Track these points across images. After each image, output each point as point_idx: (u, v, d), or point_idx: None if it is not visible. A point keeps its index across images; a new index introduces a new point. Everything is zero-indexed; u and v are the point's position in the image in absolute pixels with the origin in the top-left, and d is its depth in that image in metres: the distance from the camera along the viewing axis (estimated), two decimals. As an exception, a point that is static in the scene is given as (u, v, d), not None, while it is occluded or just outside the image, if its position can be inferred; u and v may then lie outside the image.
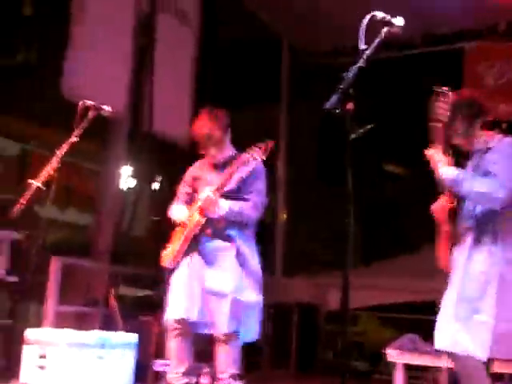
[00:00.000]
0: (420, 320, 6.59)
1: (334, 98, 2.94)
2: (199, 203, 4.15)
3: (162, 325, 4.25)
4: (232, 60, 8.78)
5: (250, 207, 4.20)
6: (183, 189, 4.48)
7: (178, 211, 4.34)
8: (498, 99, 8.07)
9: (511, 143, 3.55)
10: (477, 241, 3.48)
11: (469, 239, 3.52)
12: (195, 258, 4.19)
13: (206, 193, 4.11)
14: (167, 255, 4.27)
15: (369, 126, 2.91)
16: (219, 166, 4.31)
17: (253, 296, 4.18)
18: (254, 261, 4.27)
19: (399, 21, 3.16)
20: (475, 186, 3.40)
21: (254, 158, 4.01)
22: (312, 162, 9.84)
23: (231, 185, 4.15)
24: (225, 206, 4.11)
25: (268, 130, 8.90)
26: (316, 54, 9.05)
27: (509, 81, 8.11)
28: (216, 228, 4.18)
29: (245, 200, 4.20)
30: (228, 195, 4.15)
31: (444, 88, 3.48)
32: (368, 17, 3.14)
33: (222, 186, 4.09)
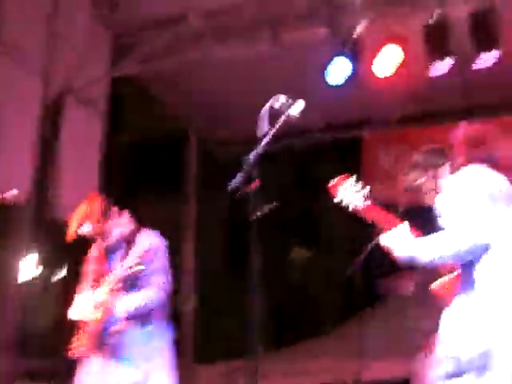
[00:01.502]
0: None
1: (237, 178, 3.06)
2: (97, 300, 4.09)
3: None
4: (140, 150, 8.86)
5: (154, 293, 4.13)
6: (88, 270, 4.39)
7: (78, 309, 4.24)
8: (395, 183, 8.47)
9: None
10: None
11: None
12: (104, 349, 4.09)
13: (100, 294, 4.07)
14: (75, 347, 4.15)
15: (273, 204, 3.01)
16: (115, 243, 4.30)
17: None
18: (164, 349, 4.21)
19: (300, 104, 3.31)
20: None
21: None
22: (220, 251, 9.93)
23: (126, 273, 4.06)
24: (120, 310, 4.06)
25: (175, 220, 8.93)
26: (224, 142, 9.21)
27: (405, 166, 8.52)
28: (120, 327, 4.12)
29: (146, 284, 4.13)
30: (127, 281, 4.08)
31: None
32: (268, 105, 3.30)
33: (117, 284, 4.04)
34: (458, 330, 3.18)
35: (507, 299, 3.05)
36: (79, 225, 4.25)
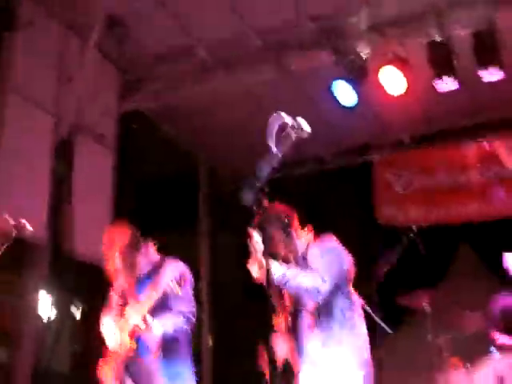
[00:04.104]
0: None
1: (249, 196, 3.07)
2: (129, 327, 4.08)
3: None
4: (151, 186, 8.87)
5: (181, 321, 4.14)
6: (114, 299, 4.40)
7: (109, 336, 4.23)
8: (409, 206, 8.48)
9: (331, 239, 3.92)
10: None
11: None
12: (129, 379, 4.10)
13: (134, 318, 4.05)
14: (105, 376, 4.14)
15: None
16: (142, 278, 4.29)
17: None
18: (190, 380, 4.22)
19: (307, 125, 3.36)
20: (301, 281, 3.71)
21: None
22: (236, 287, 9.86)
23: (159, 297, 4.06)
24: (156, 328, 4.04)
25: (189, 257, 8.88)
26: (236, 178, 9.16)
27: (416, 188, 8.54)
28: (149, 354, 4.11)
29: (175, 312, 4.14)
30: (155, 307, 4.08)
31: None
32: (279, 122, 3.33)
33: (149, 307, 4.04)
34: None
35: None
36: (112, 256, 4.24)
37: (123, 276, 4.38)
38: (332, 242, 3.96)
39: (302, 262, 3.91)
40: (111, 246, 4.26)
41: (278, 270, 3.74)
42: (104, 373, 4.14)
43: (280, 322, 3.86)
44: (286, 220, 3.98)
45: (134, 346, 4.05)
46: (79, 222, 6.67)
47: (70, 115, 6.69)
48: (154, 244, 4.43)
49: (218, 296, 9.20)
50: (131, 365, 4.09)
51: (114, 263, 4.26)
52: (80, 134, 6.81)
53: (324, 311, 3.79)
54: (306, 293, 3.76)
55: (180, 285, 3.96)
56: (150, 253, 4.38)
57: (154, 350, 4.08)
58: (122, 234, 4.29)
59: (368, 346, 3.87)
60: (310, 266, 3.82)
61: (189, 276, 4.22)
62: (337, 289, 3.79)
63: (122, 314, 4.26)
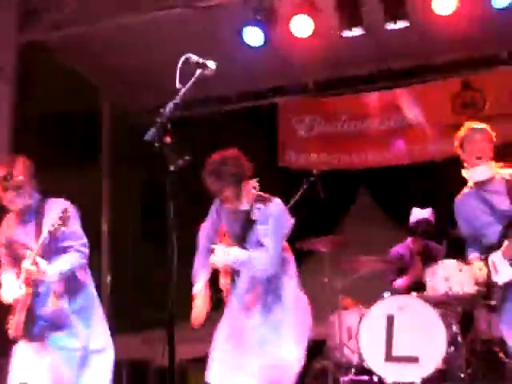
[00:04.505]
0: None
1: (152, 131, 3.04)
2: (22, 275, 3.97)
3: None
4: (52, 121, 8.60)
5: (75, 256, 4.08)
6: (2, 252, 4.26)
7: (4, 290, 4.12)
8: (310, 150, 8.63)
9: (279, 206, 4.02)
10: None
11: None
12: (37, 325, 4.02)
13: (25, 265, 3.93)
14: (11, 327, 4.05)
15: (187, 158, 3.01)
16: (24, 216, 4.14)
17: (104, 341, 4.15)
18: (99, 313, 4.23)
19: (212, 63, 3.37)
20: (253, 264, 3.93)
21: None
22: (136, 222, 9.82)
23: (45, 240, 3.94)
24: (51, 272, 3.95)
25: (91, 193, 8.76)
26: (138, 112, 9.03)
27: (318, 133, 8.69)
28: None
29: (65, 249, 4.08)
30: (45, 249, 3.98)
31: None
32: (183, 58, 3.32)
33: (39, 251, 3.93)
34: None
35: None
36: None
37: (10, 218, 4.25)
38: (278, 204, 4.04)
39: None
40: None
41: (235, 254, 3.93)
42: (12, 326, 4.05)
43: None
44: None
45: (31, 292, 3.97)
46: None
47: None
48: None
49: (118, 232, 9.17)
50: (37, 311, 4.02)
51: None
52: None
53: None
54: (257, 273, 3.98)
55: (64, 221, 3.85)
56: (33, 195, 4.17)
57: (56, 292, 4.04)
58: (16, 165, 4.07)
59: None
60: (256, 223, 3.96)
61: (73, 210, 4.09)
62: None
63: (13, 264, 4.17)
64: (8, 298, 4.07)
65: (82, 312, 4.11)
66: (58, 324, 4.03)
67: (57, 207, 3.96)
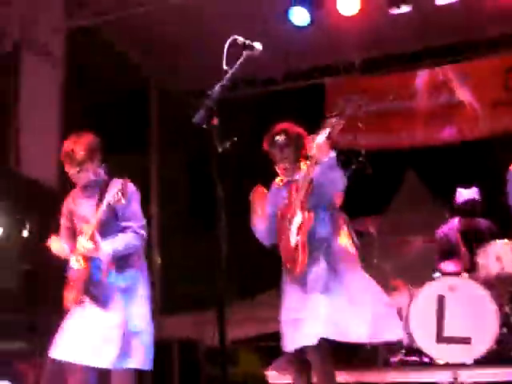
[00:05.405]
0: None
1: (200, 114, 3.06)
2: (78, 250, 4.03)
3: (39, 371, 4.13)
4: (100, 105, 8.70)
5: (132, 237, 4.10)
6: (63, 223, 4.33)
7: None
8: (357, 130, 8.53)
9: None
10: None
11: None
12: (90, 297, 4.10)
13: (82, 241, 3.99)
14: (67, 299, 4.13)
15: (235, 139, 3.02)
16: (88, 192, 4.20)
17: (142, 324, 4.14)
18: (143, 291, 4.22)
19: (258, 45, 3.37)
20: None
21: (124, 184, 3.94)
22: (184, 204, 9.90)
23: (104, 215, 3.99)
24: (107, 250, 4.00)
25: (138, 176, 8.84)
26: (185, 95, 9.06)
27: (365, 113, 8.58)
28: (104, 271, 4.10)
29: (123, 229, 4.12)
30: (104, 226, 4.03)
31: None
32: (230, 40, 3.33)
33: (96, 227, 3.97)
34: None
35: None
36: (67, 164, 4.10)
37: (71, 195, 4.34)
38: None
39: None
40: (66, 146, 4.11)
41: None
42: (65, 297, 4.14)
43: None
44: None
45: (86, 267, 4.03)
46: (26, 139, 6.55)
47: (14, 31, 6.47)
48: (103, 164, 4.29)
49: (168, 214, 9.22)
50: (88, 285, 4.07)
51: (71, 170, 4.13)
52: (25, 50, 6.62)
53: None
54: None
55: (124, 195, 3.88)
56: (98, 173, 4.23)
57: (107, 269, 4.07)
58: (78, 137, 4.13)
59: None
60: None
61: (133, 188, 4.14)
62: None
63: (70, 236, 4.24)
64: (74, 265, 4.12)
65: (127, 291, 4.12)
66: (102, 299, 4.07)
67: (118, 184, 3.98)
